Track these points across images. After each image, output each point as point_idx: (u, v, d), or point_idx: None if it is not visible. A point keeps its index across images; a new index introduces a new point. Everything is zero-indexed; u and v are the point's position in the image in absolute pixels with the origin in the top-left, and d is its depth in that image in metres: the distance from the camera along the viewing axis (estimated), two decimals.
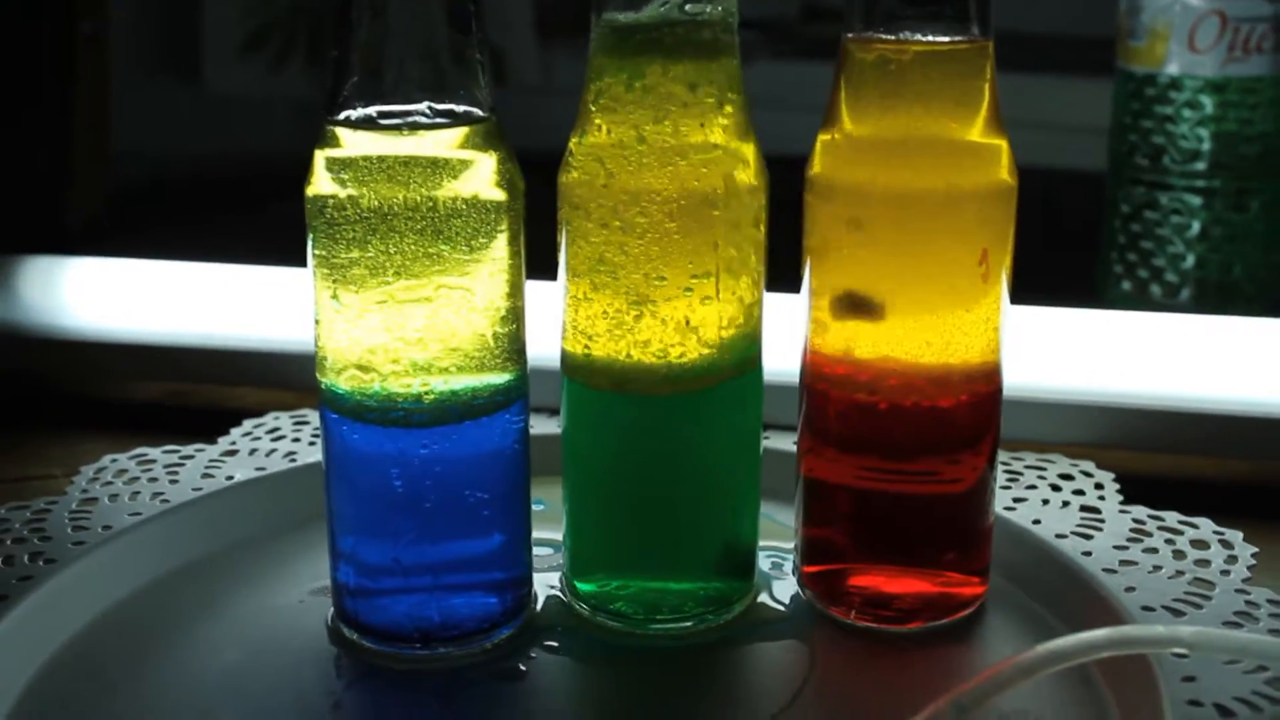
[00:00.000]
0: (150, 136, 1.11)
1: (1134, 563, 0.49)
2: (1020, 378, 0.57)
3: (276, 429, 0.61)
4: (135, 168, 1.08)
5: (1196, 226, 0.71)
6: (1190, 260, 0.72)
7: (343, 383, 0.44)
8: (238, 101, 1.16)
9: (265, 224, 0.60)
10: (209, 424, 0.61)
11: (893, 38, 0.43)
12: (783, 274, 0.47)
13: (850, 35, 0.44)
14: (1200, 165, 0.71)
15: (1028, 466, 0.57)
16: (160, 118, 1.14)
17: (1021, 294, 0.48)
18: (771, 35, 1.14)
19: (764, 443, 0.48)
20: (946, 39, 0.43)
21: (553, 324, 0.46)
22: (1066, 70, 1.03)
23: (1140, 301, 0.73)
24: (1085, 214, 0.78)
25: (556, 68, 1.16)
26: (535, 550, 0.48)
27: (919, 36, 0.43)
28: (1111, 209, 0.74)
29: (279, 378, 0.64)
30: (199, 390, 0.68)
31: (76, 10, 0.96)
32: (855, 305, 0.44)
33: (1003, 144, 0.44)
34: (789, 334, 0.47)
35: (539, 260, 0.46)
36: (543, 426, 0.58)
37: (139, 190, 1.07)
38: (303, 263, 0.44)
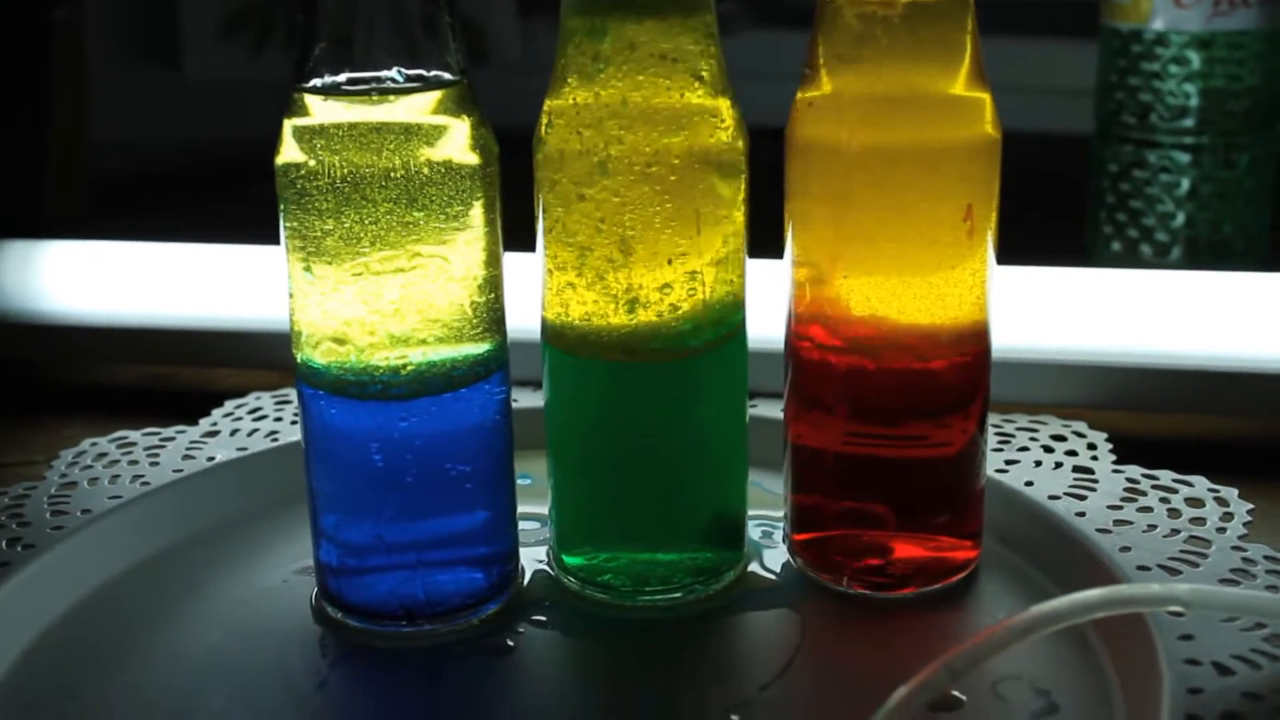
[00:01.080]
0: (128, 121, 1.09)
1: (1128, 522, 0.48)
2: (1011, 339, 0.56)
3: (258, 409, 0.60)
4: (114, 152, 1.07)
5: (1185, 184, 0.71)
6: (1180, 218, 0.71)
7: (319, 357, 0.43)
8: (216, 85, 1.15)
9: (245, 207, 0.59)
10: (190, 406, 0.60)
11: None
12: (767, 240, 0.46)
13: None
14: (1188, 122, 0.70)
15: (1019, 428, 0.56)
16: (138, 102, 1.13)
17: (1011, 257, 0.48)
18: (753, 4, 1.13)
19: (751, 411, 0.48)
20: None
21: (533, 296, 0.45)
22: (1050, 33, 1.02)
23: (1131, 261, 0.72)
24: (1073, 177, 0.78)
25: (537, 43, 1.15)
26: (521, 525, 0.48)
27: None
28: (1099, 169, 0.74)
29: (260, 358, 0.63)
30: (179, 372, 0.67)
31: None
32: None
33: (985, 97, 0.43)
34: (774, 301, 0.47)
35: (521, 233, 0.45)
36: (526, 400, 0.58)
37: (118, 174, 1.06)
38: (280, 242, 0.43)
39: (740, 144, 0.43)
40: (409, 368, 0.43)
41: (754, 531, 0.49)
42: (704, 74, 0.42)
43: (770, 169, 0.45)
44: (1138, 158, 0.71)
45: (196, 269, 0.66)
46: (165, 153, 1.14)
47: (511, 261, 0.45)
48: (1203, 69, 0.69)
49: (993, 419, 0.56)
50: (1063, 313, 0.59)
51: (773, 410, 0.52)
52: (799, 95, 0.44)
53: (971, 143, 0.43)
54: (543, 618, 0.45)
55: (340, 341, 0.42)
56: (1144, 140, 0.71)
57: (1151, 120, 0.71)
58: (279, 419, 0.59)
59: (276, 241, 0.43)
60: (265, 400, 0.61)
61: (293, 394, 0.61)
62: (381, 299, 0.42)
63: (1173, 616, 0.38)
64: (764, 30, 1.10)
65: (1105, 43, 0.72)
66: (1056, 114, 0.88)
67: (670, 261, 0.43)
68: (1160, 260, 0.71)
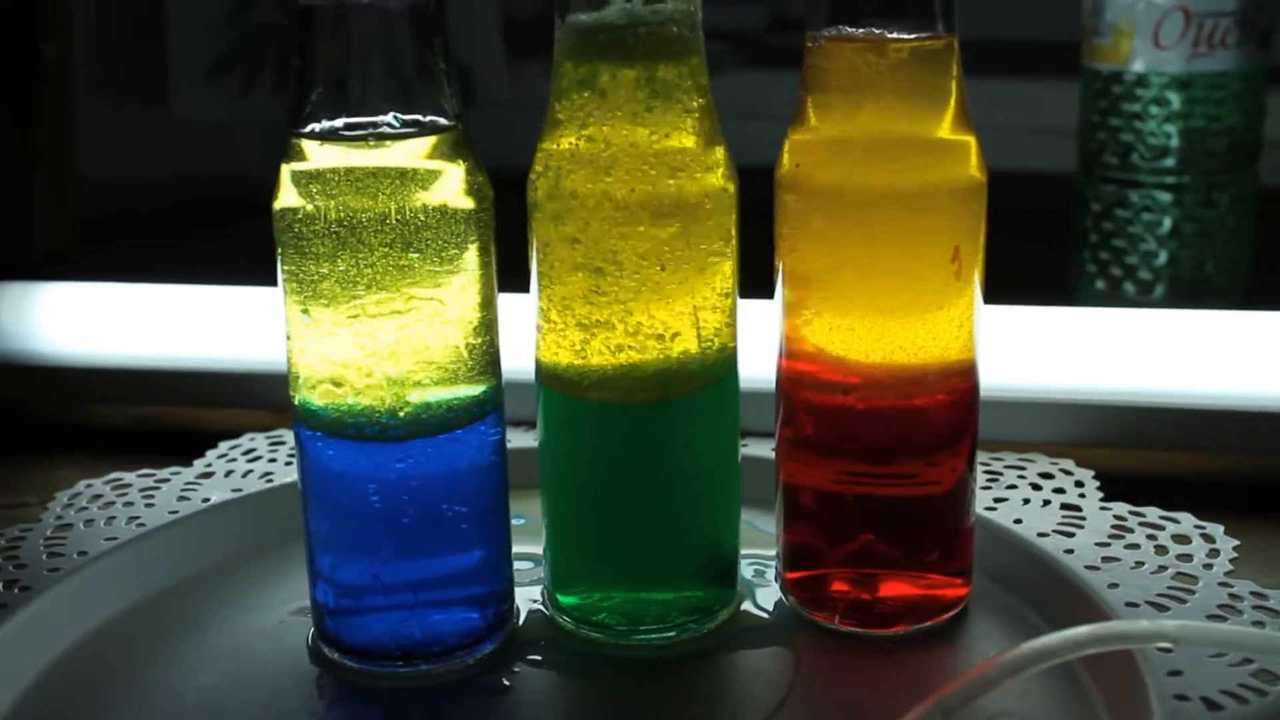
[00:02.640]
0: (117, 160, 1.10)
1: (1116, 559, 0.49)
2: (998, 378, 0.57)
3: (252, 450, 0.60)
4: (103, 191, 1.07)
5: (1168, 223, 0.71)
6: (1163, 256, 0.72)
7: (316, 399, 0.44)
8: (205, 125, 1.15)
9: (236, 246, 0.60)
10: (185, 446, 0.60)
11: (857, 35, 0.43)
12: (757, 280, 0.47)
13: (814, 34, 0.44)
14: (1169, 161, 0.71)
15: (1007, 466, 0.56)
16: (127, 141, 1.13)
17: (997, 295, 0.48)
18: (740, 45, 1.14)
19: (743, 450, 0.48)
20: (912, 36, 0.43)
21: (527, 336, 0.46)
22: (1033, 74, 1.04)
23: (1115, 299, 0.73)
24: (1057, 215, 0.79)
25: (525, 82, 1.16)
26: (516, 565, 0.48)
27: (884, 34, 0.43)
28: (1082, 208, 0.75)
29: (254, 398, 0.63)
30: (174, 413, 0.68)
31: (39, 33, 0.95)
32: None
33: (971, 140, 0.44)
34: (765, 340, 0.47)
35: (514, 273, 0.46)
36: (520, 440, 0.58)
37: (108, 214, 1.06)
38: (274, 283, 0.44)
39: (731, 186, 0.44)
40: (406, 409, 0.43)
41: (747, 570, 0.50)
42: (695, 117, 0.43)
43: (760, 208, 0.46)
44: (1120, 197, 0.72)
45: (189, 310, 0.67)
46: (153, 191, 1.14)
47: (505, 302, 0.45)
48: (1183, 109, 0.70)
49: (981, 457, 0.56)
50: (1049, 352, 0.60)
51: (764, 449, 0.53)
52: (788, 136, 0.45)
53: (958, 185, 0.43)
54: (538, 657, 0.46)
55: (337, 383, 0.43)
56: (1126, 180, 0.72)
57: (1133, 160, 0.71)
58: (273, 460, 0.59)
59: (266, 282, 0.44)
60: (259, 441, 0.61)
61: (286, 434, 0.61)
62: (378, 341, 0.42)
63: (1161, 652, 0.39)
64: (752, 71, 1.11)
65: (1086, 84, 0.73)
66: (1041, 153, 0.90)
67: (662, 303, 0.43)
68: (1144, 298, 0.72)
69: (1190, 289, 0.72)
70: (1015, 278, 0.58)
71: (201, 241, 0.99)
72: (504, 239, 0.45)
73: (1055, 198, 0.80)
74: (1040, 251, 0.81)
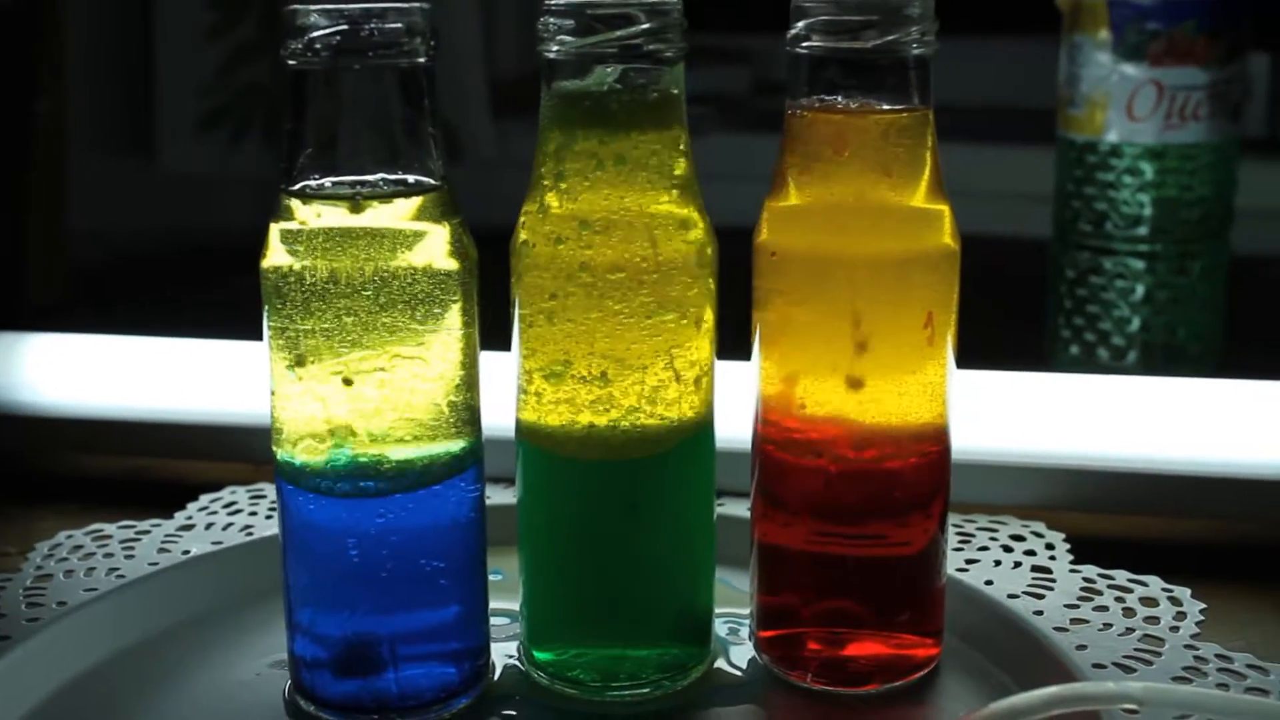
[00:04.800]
0: (107, 214, 1.11)
1: (1085, 621, 0.49)
2: (973, 441, 0.58)
3: (233, 503, 0.61)
4: (93, 245, 1.08)
5: (1141, 290, 0.73)
6: (1135, 323, 0.73)
7: (298, 454, 0.44)
8: (194, 179, 1.16)
9: (223, 300, 0.61)
10: (166, 498, 0.61)
11: (836, 106, 0.44)
12: (737, 341, 0.48)
13: (793, 104, 0.45)
14: (1142, 230, 0.72)
15: (980, 528, 0.57)
16: (116, 193, 1.14)
17: (973, 357, 0.49)
18: (724, 108, 1.16)
19: (720, 509, 0.49)
20: (888, 107, 0.44)
21: (507, 393, 0.47)
22: (1009, 140, 1.06)
23: (1089, 364, 0.74)
24: (1032, 280, 0.80)
25: (511, 142, 1.18)
26: (493, 620, 0.48)
27: (862, 105, 0.44)
28: (1057, 274, 0.76)
29: (235, 451, 0.64)
30: (156, 464, 0.68)
31: (32, 89, 0.96)
32: None
33: (945, 209, 0.45)
34: (744, 400, 0.48)
35: (497, 330, 0.46)
36: (499, 497, 0.58)
37: (97, 267, 1.07)
38: (257, 336, 0.44)
39: (710, 251, 0.45)
40: (387, 465, 0.44)
41: (721, 628, 0.50)
42: (676, 184, 0.44)
43: (741, 268, 0.47)
44: (1094, 264, 0.74)
45: (172, 362, 0.67)
46: (142, 242, 1.15)
47: (487, 359, 0.46)
48: (1156, 179, 0.71)
49: (954, 519, 0.57)
50: (1023, 417, 0.60)
51: (740, 509, 0.53)
52: (767, 202, 0.46)
53: (932, 254, 0.44)
54: (513, 712, 0.46)
55: (320, 439, 0.44)
56: (1100, 247, 0.73)
57: (1107, 228, 0.73)
58: (253, 513, 0.60)
59: (248, 335, 0.44)
60: (240, 494, 0.61)
61: (267, 488, 0.62)
62: (361, 398, 0.43)
63: (1127, 714, 0.40)
64: (735, 134, 1.12)
65: (1062, 153, 0.75)
66: (1018, 218, 0.91)
67: (641, 364, 0.44)
68: (1117, 364, 0.73)
69: (1163, 355, 0.73)
70: (991, 341, 0.59)
71: (187, 293, 1.00)
72: (487, 296, 0.46)
73: (1031, 263, 0.81)
74: (1016, 315, 0.82)
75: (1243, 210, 0.75)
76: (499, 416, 0.47)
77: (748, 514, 0.49)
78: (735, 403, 0.48)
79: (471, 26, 1.20)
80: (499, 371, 0.47)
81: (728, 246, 0.46)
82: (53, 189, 0.98)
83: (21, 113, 0.96)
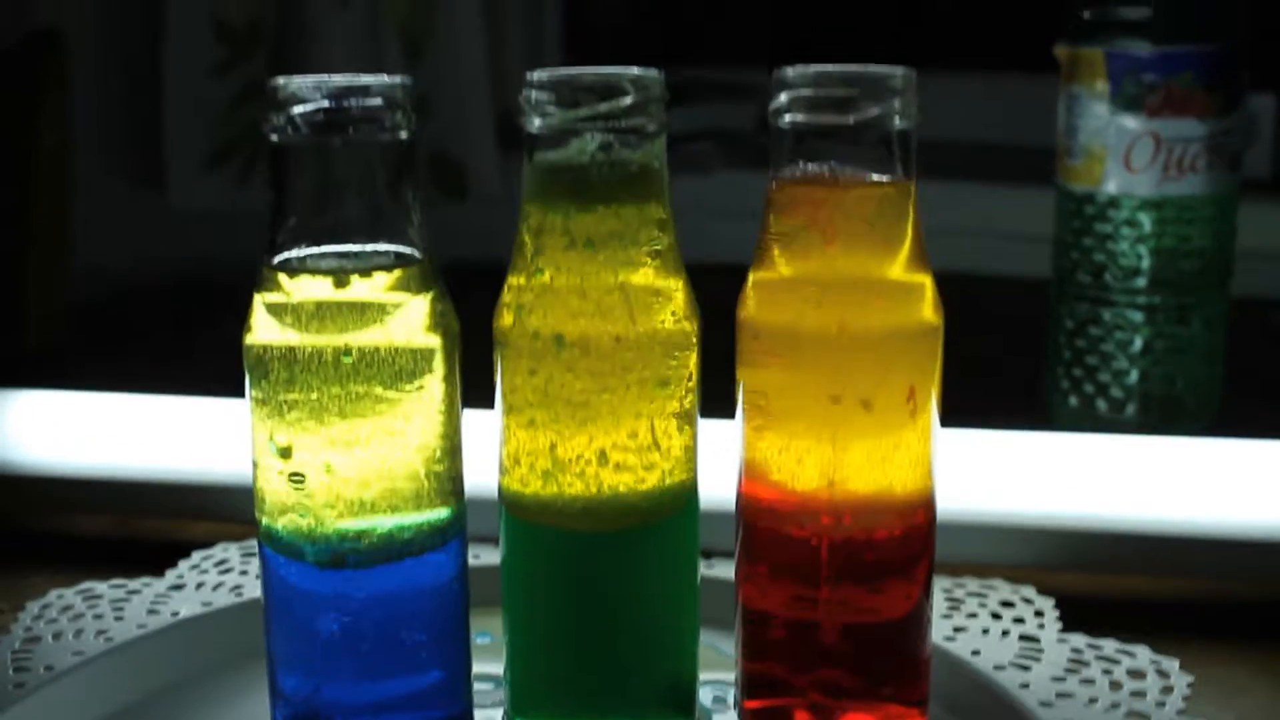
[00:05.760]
0: (114, 249, 1.11)
1: (1071, 695, 0.49)
2: (963, 500, 0.58)
3: (224, 560, 0.61)
4: (98, 280, 1.08)
5: (1139, 342, 0.72)
6: (1134, 375, 0.73)
7: (280, 524, 0.44)
8: (202, 215, 1.17)
9: (227, 337, 0.60)
10: (157, 556, 0.61)
11: (817, 179, 0.44)
12: (728, 396, 0.48)
13: (776, 175, 0.45)
14: (1141, 282, 0.72)
15: (969, 593, 0.57)
16: (124, 230, 1.14)
17: (971, 401, 0.48)
18: (727, 146, 1.16)
19: (709, 571, 0.48)
20: (870, 181, 0.44)
21: (494, 455, 0.47)
22: (1012, 180, 1.05)
23: (1087, 416, 0.74)
24: (1034, 320, 0.79)
25: (517, 177, 1.18)
26: (478, 685, 0.48)
27: (843, 178, 0.44)
28: (1056, 324, 0.76)
29: (229, 510, 0.64)
30: (146, 523, 0.68)
31: (39, 122, 0.97)
32: None
33: (926, 280, 0.45)
34: (730, 461, 0.48)
35: (484, 388, 0.46)
36: (487, 556, 0.58)
37: (100, 303, 1.07)
38: None
39: (690, 326, 0.45)
40: (368, 536, 0.44)
41: (706, 696, 0.50)
42: (657, 259, 0.44)
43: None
44: (1093, 315, 0.73)
45: (164, 420, 0.67)
46: (148, 277, 1.16)
47: (478, 417, 0.46)
48: (1154, 230, 0.71)
49: (943, 583, 0.57)
50: (1015, 476, 0.60)
51: (729, 570, 0.53)
52: (750, 275, 0.46)
53: (913, 329, 0.44)
54: None
55: (301, 511, 0.44)
56: (1099, 298, 0.73)
57: (1105, 279, 0.73)
58: (244, 572, 0.60)
59: (242, 393, 0.45)
60: (232, 551, 0.61)
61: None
62: (342, 469, 0.43)
63: None
64: (739, 171, 1.12)
65: (1060, 203, 0.74)
66: (1020, 258, 0.91)
67: (621, 437, 0.44)
68: (1116, 416, 0.73)
69: (1161, 407, 0.73)
70: (992, 385, 0.59)
71: (192, 333, 1.00)
72: (485, 343, 0.46)
73: (1032, 303, 0.81)
74: (1018, 355, 0.82)
75: (1246, 252, 0.75)
76: (489, 476, 0.47)
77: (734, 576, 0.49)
78: (724, 462, 0.48)
79: (478, 60, 1.20)
80: (487, 431, 0.47)
81: (731, 283, 0.46)
82: (55, 225, 0.99)
83: (26, 148, 0.96)
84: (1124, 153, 0.71)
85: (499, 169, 1.20)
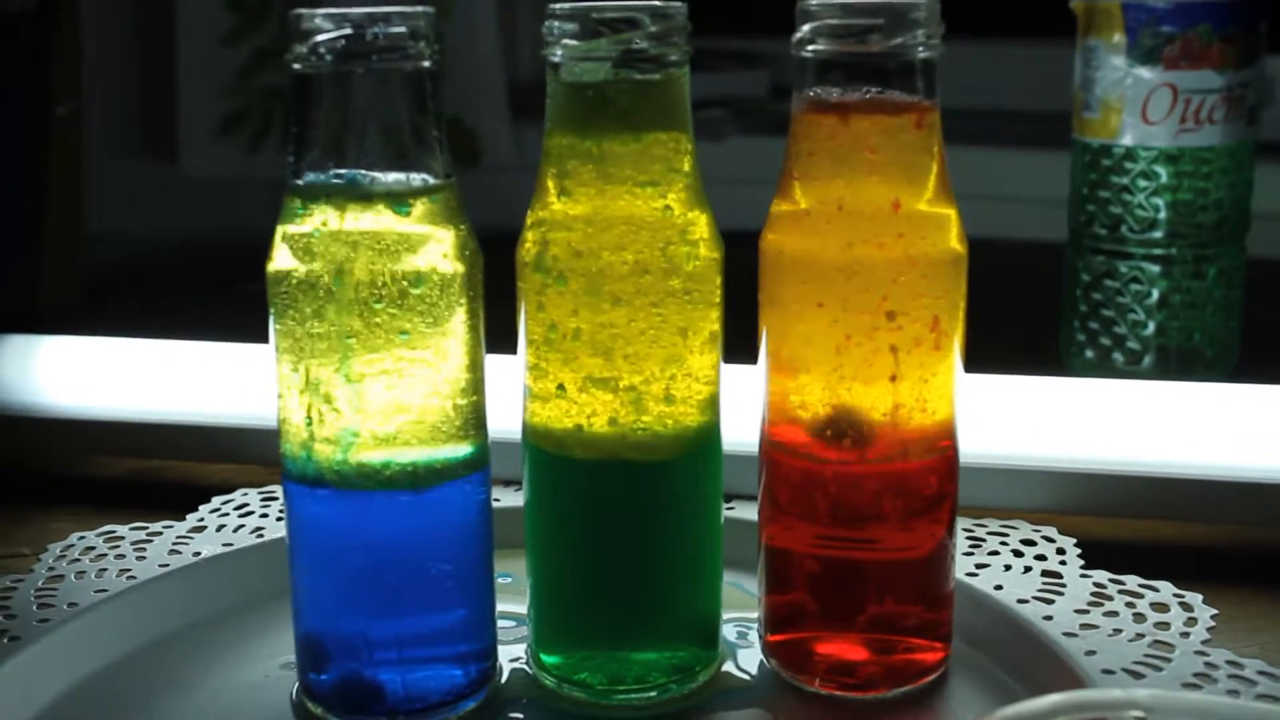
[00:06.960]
0: (126, 217, 1.11)
1: (1095, 626, 0.49)
2: (985, 445, 0.57)
3: (245, 505, 0.61)
4: (111, 248, 1.08)
5: (1156, 294, 0.72)
6: (1151, 327, 0.73)
7: (304, 455, 0.44)
8: (213, 183, 1.17)
9: (239, 302, 0.61)
10: (178, 500, 0.61)
11: (840, 108, 0.44)
12: (747, 345, 0.48)
13: (798, 106, 0.45)
14: (1157, 234, 0.72)
15: (990, 533, 0.57)
16: (136, 198, 1.15)
17: (986, 363, 0.49)
18: (741, 112, 1.15)
19: (729, 512, 0.49)
20: (893, 110, 0.44)
21: (515, 398, 0.47)
22: (1025, 144, 1.05)
23: (1103, 369, 0.74)
24: (1047, 284, 0.79)
25: (529, 145, 1.18)
26: (500, 623, 0.48)
27: (867, 108, 0.44)
28: (1072, 278, 0.75)
29: (248, 453, 0.64)
30: (168, 466, 0.68)
31: (52, 93, 0.97)
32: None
33: (951, 212, 0.45)
34: (754, 404, 0.48)
35: (504, 334, 0.46)
36: (507, 499, 0.59)
37: (113, 270, 1.07)
38: (268, 339, 0.45)
39: (715, 254, 0.45)
40: (393, 467, 0.44)
41: (729, 632, 0.50)
42: (680, 188, 0.44)
43: (754, 272, 0.47)
44: (1109, 268, 0.73)
45: (186, 365, 0.68)
46: (159, 245, 1.16)
47: (494, 363, 0.46)
48: (1171, 183, 0.71)
49: (965, 523, 0.57)
50: (1035, 421, 0.60)
51: (750, 512, 0.53)
52: (773, 205, 0.46)
53: (938, 257, 0.44)
54: (519, 715, 0.46)
55: (326, 441, 0.44)
56: (1115, 251, 0.73)
57: (1122, 232, 0.72)
58: (265, 515, 0.60)
59: (261, 338, 0.45)
60: (252, 496, 0.62)
61: (278, 490, 0.62)
62: (366, 400, 0.43)
63: None
64: (753, 137, 1.12)
65: (1076, 156, 0.74)
66: (1034, 222, 0.91)
67: (647, 366, 0.44)
68: (1132, 368, 0.73)
69: (1178, 359, 0.73)
70: (1006, 344, 0.58)
71: (203, 296, 1.01)
72: (501, 298, 0.46)
73: (1046, 266, 0.81)
74: (1031, 318, 0.82)
75: (1260, 213, 0.75)
76: (508, 420, 0.47)
77: (757, 517, 0.49)
78: (746, 405, 0.48)
79: (489, 29, 1.20)
80: (508, 375, 0.47)
81: (745, 250, 0.46)
82: (69, 192, 0.99)
83: (39, 116, 0.97)
84: (1141, 105, 0.70)
85: (512, 137, 1.20)
